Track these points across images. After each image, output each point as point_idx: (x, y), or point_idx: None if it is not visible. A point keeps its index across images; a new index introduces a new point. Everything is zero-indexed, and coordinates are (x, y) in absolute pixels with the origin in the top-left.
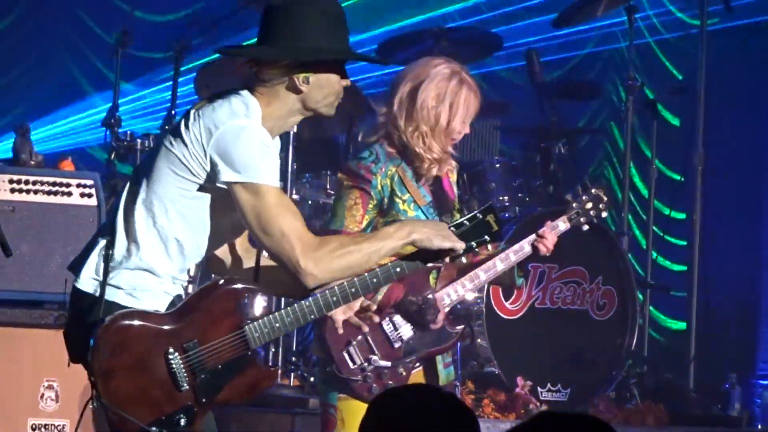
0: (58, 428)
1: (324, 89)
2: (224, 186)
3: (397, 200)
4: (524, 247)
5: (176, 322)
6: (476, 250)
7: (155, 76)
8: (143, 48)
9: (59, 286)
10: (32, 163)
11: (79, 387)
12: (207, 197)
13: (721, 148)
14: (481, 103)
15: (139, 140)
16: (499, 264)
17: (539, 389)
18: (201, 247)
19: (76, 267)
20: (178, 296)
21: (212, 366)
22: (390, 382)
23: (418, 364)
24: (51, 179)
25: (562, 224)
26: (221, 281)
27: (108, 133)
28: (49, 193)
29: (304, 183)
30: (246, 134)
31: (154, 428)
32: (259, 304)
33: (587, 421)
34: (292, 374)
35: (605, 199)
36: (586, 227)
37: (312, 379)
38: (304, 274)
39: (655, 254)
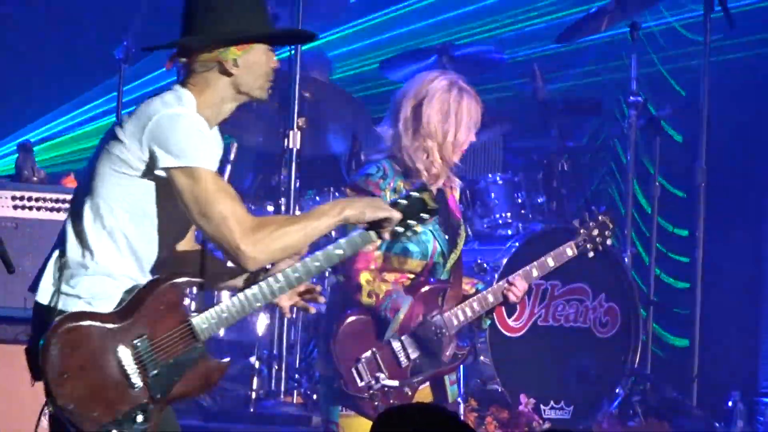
0: None
1: (254, 71)
2: (163, 173)
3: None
4: (490, 297)
5: (124, 319)
6: (415, 229)
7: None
8: (147, 65)
9: None
10: (35, 179)
11: None
12: (151, 191)
13: (723, 165)
14: (482, 110)
15: None
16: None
17: (542, 407)
18: (152, 242)
19: (35, 283)
20: None
21: (163, 361)
22: (395, 402)
23: (424, 384)
24: (54, 196)
25: (570, 251)
26: (164, 276)
27: None
28: (51, 209)
29: (307, 200)
30: (181, 120)
31: (112, 427)
32: (203, 296)
33: None
34: (295, 391)
35: (611, 226)
36: (591, 254)
37: (315, 396)
38: (244, 257)
39: (658, 271)
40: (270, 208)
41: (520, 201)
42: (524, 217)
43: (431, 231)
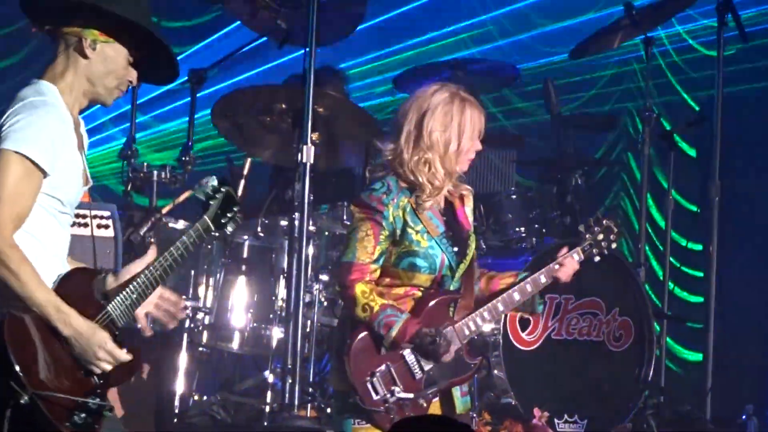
0: None
1: (108, 64)
2: None
3: (410, 231)
4: (541, 278)
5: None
6: (229, 228)
7: (172, 107)
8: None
9: None
10: None
11: None
12: None
13: (737, 180)
14: (485, 118)
15: (155, 172)
16: (517, 296)
17: (556, 420)
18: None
19: None
20: None
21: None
22: (411, 413)
23: (437, 395)
24: None
25: (576, 256)
26: (68, 272)
27: (125, 164)
28: None
29: (321, 214)
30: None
31: (79, 413)
32: (109, 282)
33: None
34: (309, 405)
35: (616, 230)
36: (597, 258)
37: (329, 410)
38: None
39: (672, 285)
40: (283, 223)
41: (533, 216)
42: (538, 232)
43: (438, 244)
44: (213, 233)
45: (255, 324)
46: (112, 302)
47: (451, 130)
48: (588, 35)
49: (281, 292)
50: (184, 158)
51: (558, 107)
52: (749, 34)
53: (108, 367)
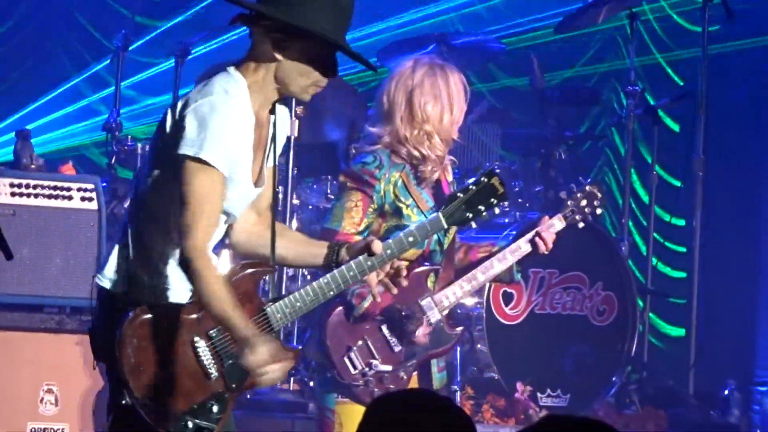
0: None
1: (300, 66)
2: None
3: (401, 205)
4: (521, 246)
5: (199, 310)
6: (485, 215)
7: (156, 80)
8: (144, 52)
9: (59, 289)
10: (33, 166)
11: (78, 391)
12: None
13: (721, 155)
14: (465, 80)
15: (139, 145)
16: (497, 264)
17: (539, 395)
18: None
19: (101, 266)
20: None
21: (238, 351)
22: (391, 386)
23: (417, 367)
24: (52, 183)
25: (558, 222)
26: (238, 266)
27: (109, 137)
28: (49, 196)
29: (305, 188)
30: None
31: (188, 417)
32: (275, 284)
33: (591, 424)
34: (292, 379)
35: (599, 195)
36: (581, 225)
37: (311, 383)
38: (187, 252)
39: (655, 260)
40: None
41: (517, 189)
42: (521, 206)
43: (427, 217)
44: (442, 228)
45: None
46: (276, 304)
47: (441, 101)
48: (573, 10)
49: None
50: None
51: (542, 83)
52: (733, 10)
53: (271, 381)
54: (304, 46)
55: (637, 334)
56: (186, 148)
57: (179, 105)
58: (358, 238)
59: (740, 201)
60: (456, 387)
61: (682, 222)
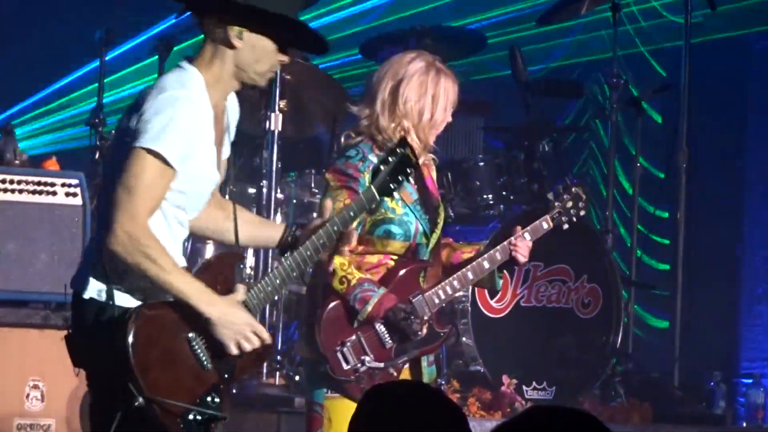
0: (44, 428)
1: (257, 52)
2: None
3: (386, 198)
4: (497, 255)
5: (187, 306)
6: (404, 184)
7: (140, 74)
8: (127, 46)
9: (44, 285)
10: (17, 162)
11: (64, 386)
12: None
13: (704, 146)
14: (458, 90)
15: None
16: (487, 264)
17: (524, 387)
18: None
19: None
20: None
21: (212, 329)
22: (381, 383)
23: (407, 364)
24: (36, 179)
25: (545, 224)
26: (213, 257)
27: (92, 132)
28: (34, 192)
29: (289, 182)
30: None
31: (195, 411)
32: (244, 270)
33: (577, 415)
34: (278, 373)
35: (584, 197)
36: (566, 226)
37: (297, 378)
38: (112, 235)
39: (639, 252)
40: (251, 190)
41: (501, 183)
42: (506, 199)
43: (413, 212)
44: (376, 201)
45: None
46: (252, 289)
47: (424, 101)
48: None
49: (249, 259)
50: None
51: (525, 75)
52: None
53: (252, 347)
54: (261, 30)
55: (622, 326)
56: (141, 141)
57: (137, 101)
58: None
59: (723, 193)
60: (442, 381)
61: (665, 214)
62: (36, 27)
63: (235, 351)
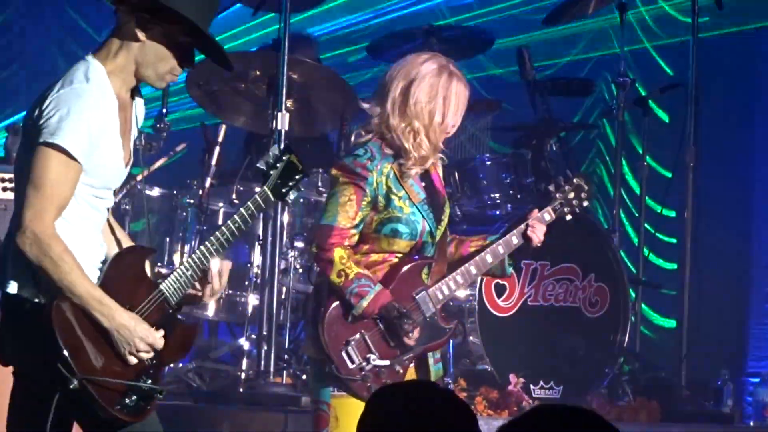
0: None
1: (160, 52)
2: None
3: (393, 197)
4: (512, 239)
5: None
6: (290, 197)
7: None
8: None
9: None
10: None
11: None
12: None
13: (711, 145)
14: (470, 94)
15: None
16: (489, 258)
17: (532, 386)
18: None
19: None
20: None
21: (113, 335)
22: (387, 381)
23: (413, 361)
24: None
25: (547, 215)
26: (124, 250)
27: None
28: None
29: None
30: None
31: (130, 392)
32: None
33: (582, 414)
34: (285, 372)
35: (587, 188)
36: (569, 217)
37: (304, 377)
38: (22, 236)
39: (646, 251)
40: (257, 189)
41: (508, 182)
42: (513, 198)
43: (420, 211)
44: (272, 203)
45: (230, 291)
46: (167, 280)
47: (435, 103)
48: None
49: (256, 259)
50: (158, 125)
51: (532, 73)
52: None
53: (146, 357)
54: (167, 29)
55: (630, 325)
56: (45, 136)
57: (41, 97)
58: (354, 232)
59: (731, 191)
60: (449, 380)
61: (672, 213)
62: (44, 27)
63: (130, 360)
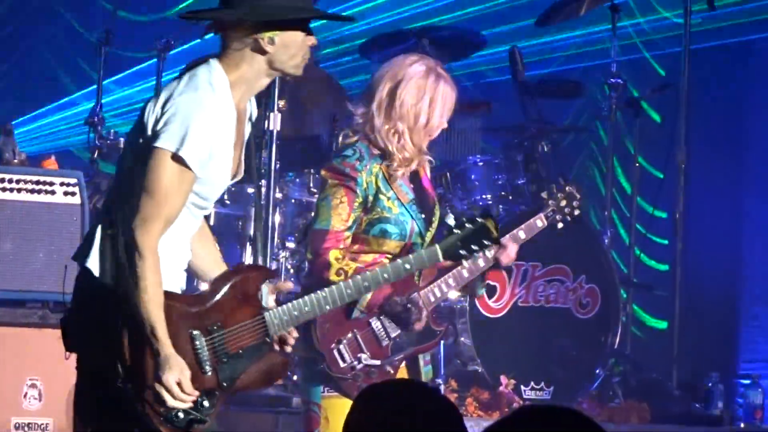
0: (42, 427)
1: (290, 49)
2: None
3: (382, 197)
4: (481, 261)
5: (202, 304)
6: (477, 255)
7: (138, 74)
8: (126, 47)
9: (42, 284)
10: (16, 161)
11: (62, 385)
12: None
13: (703, 146)
14: (457, 96)
15: (122, 139)
16: (481, 262)
17: (522, 387)
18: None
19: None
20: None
21: (233, 350)
22: (378, 380)
23: (403, 362)
24: (35, 178)
25: (540, 222)
26: (244, 266)
27: (91, 132)
28: (32, 191)
29: (287, 181)
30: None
31: (181, 410)
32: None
33: (568, 414)
34: None
35: (578, 196)
36: (561, 225)
37: (295, 377)
38: (135, 241)
39: (638, 252)
40: (250, 190)
41: (500, 183)
42: (505, 199)
43: (408, 211)
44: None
45: None
46: (273, 310)
47: (421, 105)
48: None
49: (248, 259)
50: None
51: (524, 74)
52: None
53: (170, 403)
54: (287, 31)
55: (621, 326)
56: (165, 142)
57: (162, 96)
58: (348, 234)
59: (722, 193)
60: (440, 380)
61: (664, 214)
62: (36, 26)
63: (164, 397)
